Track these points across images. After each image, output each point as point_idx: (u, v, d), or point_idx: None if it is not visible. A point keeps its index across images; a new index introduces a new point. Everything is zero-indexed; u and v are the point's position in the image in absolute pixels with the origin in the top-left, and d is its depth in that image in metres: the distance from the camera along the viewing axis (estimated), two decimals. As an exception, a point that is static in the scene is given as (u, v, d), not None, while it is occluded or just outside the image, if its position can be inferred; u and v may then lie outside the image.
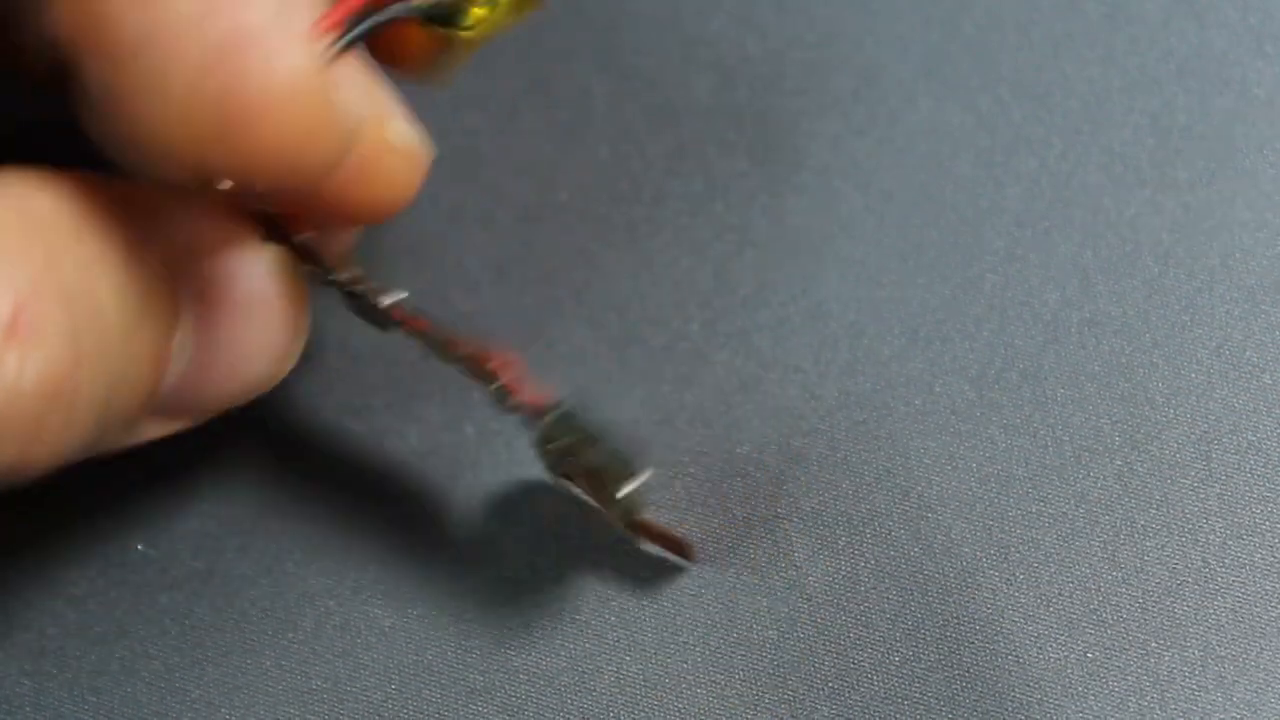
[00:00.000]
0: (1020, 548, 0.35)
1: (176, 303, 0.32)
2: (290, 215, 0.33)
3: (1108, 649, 0.35)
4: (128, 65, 0.28)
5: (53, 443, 0.29)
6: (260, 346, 0.33)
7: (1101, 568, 0.35)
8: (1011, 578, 0.35)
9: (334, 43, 0.29)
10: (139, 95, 0.28)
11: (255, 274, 0.32)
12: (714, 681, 0.35)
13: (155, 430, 0.33)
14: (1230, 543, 0.35)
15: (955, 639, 0.35)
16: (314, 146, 0.29)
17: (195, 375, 0.32)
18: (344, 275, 0.34)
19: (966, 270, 0.37)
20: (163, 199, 0.31)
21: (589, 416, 0.34)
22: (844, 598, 0.35)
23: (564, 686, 0.35)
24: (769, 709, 0.35)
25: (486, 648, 0.35)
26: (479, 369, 0.34)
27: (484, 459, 0.36)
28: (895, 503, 0.36)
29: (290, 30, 0.28)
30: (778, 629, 0.35)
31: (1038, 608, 0.35)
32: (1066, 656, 0.34)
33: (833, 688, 0.35)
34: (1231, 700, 0.34)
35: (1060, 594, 0.35)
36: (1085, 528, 0.35)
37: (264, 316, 0.33)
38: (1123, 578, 0.35)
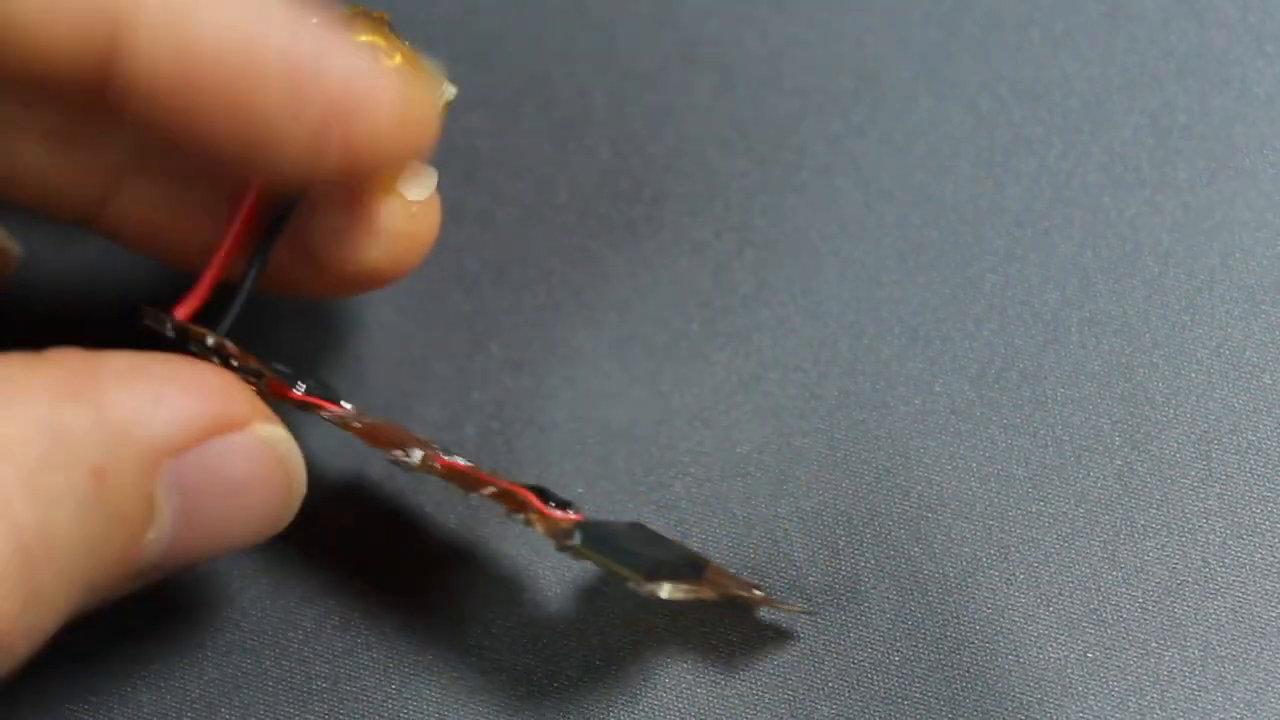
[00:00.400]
0: (1020, 548, 0.35)
1: (151, 503, 0.31)
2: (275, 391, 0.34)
3: (1108, 649, 0.35)
4: (231, 155, 0.30)
5: (18, 651, 0.30)
6: (245, 523, 0.33)
7: (1101, 568, 0.35)
8: (1011, 577, 0.35)
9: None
10: (255, 165, 0.31)
11: (241, 458, 0.33)
12: (714, 681, 0.35)
13: (137, 587, 0.33)
14: (1230, 543, 0.35)
15: (955, 639, 0.35)
16: (425, 134, 0.32)
17: (177, 552, 0.33)
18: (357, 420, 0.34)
19: (966, 270, 0.37)
20: (142, 402, 0.31)
21: (610, 537, 0.33)
22: (844, 598, 0.35)
23: (564, 686, 0.35)
24: (769, 709, 0.35)
25: (486, 647, 0.35)
26: (508, 501, 0.34)
27: (484, 458, 0.36)
28: (895, 502, 0.36)
29: (371, 76, 0.30)
30: (778, 629, 0.35)
31: (1038, 607, 0.35)
32: (1066, 656, 0.34)
33: (833, 688, 0.35)
34: (1231, 700, 0.34)
35: (1060, 594, 0.35)
36: (1085, 528, 0.35)
37: (250, 496, 0.33)
38: (1123, 578, 0.35)
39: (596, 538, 0.33)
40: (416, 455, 0.34)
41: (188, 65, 0.29)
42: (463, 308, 0.38)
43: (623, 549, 0.33)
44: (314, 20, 0.30)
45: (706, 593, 0.33)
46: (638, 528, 0.34)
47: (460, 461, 0.33)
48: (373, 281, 0.34)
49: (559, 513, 0.33)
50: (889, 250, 0.38)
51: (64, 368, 0.31)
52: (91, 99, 0.30)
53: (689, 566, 0.34)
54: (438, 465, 0.33)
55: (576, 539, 0.32)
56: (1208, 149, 0.38)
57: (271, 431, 0.33)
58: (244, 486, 0.33)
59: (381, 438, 0.34)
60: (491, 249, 0.38)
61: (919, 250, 0.38)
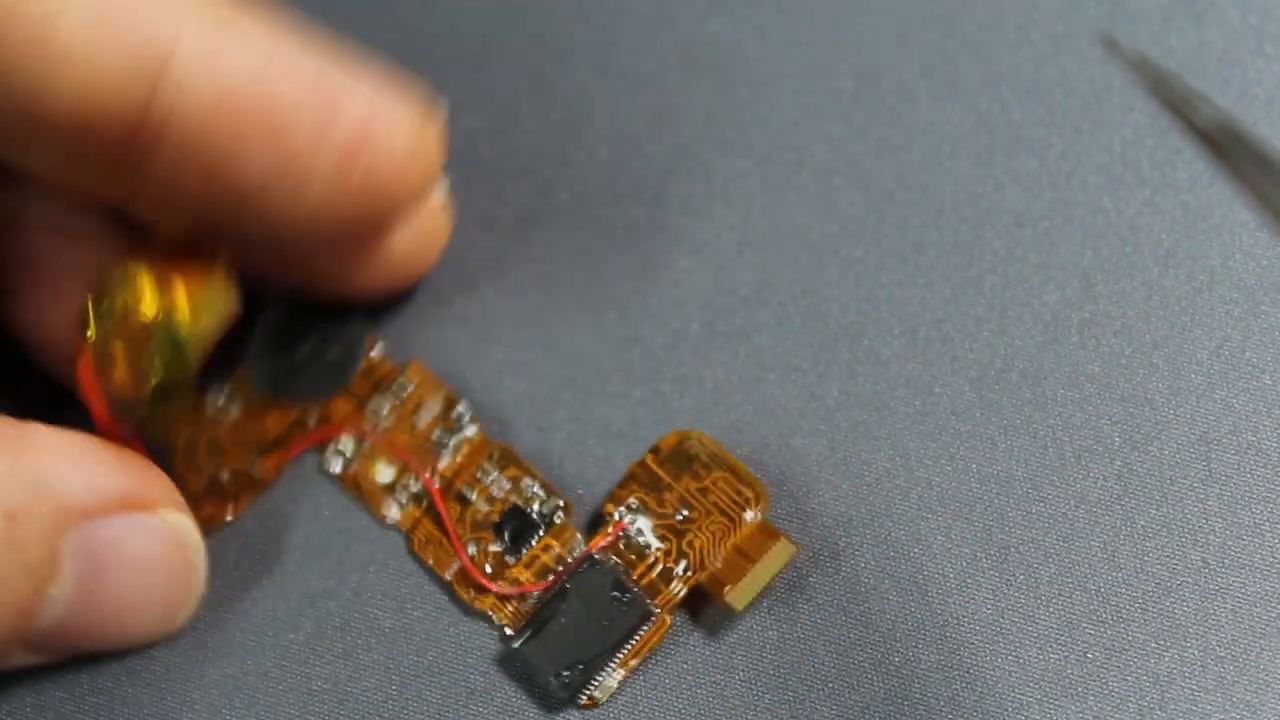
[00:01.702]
0: (1020, 548, 0.35)
1: (57, 559, 0.32)
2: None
3: (1108, 649, 0.35)
4: (261, 200, 0.31)
5: None
6: (145, 606, 0.34)
7: (1101, 568, 0.35)
8: (1011, 578, 0.35)
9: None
10: (275, 219, 0.32)
11: (145, 537, 0.34)
12: (714, 682, 0.35)
13: (28, 660, 0.34)
14: (1230, 543, 0.35)
15: (955, 639, 0.35)
16: (427, 184, 0.33)
17: (74, 621, 0.33)
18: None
19: (966, 270, 0.37)
20: (61, 463, 0.33)
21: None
22: (844, 598, 0.35)
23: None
24: (769, 709, 0.35)
25: (487, 648, 0.35)
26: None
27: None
28: (895, 503, 0.36)
29: (385, 95, 0.32)
30: (778, 629, 0.35)
31: (1037, 608, 0.35)
32: (1066, 657, 0.35)
33: (833, 688, 0.35)
34: (1231, 701, 0.34)
35: (1060, 594, 0.35)
36: (1085, 528, 0.35)
37: (151, 579, 0.34)
38: (1123, 578, 0.35)
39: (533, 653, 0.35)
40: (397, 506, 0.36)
41: (223, 98, 0.30)
42: (462, 310, 0.37)
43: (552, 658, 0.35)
44: (335, 53, 0.31)
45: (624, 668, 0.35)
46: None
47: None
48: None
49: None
50: (889, 251, 0.38)
51: None
52: (125, 142, 0.30)
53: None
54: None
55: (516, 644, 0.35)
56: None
57: (178, 519, 0.34)
58: (145, 566, 0.34)
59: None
60: (491, 250, 0.38)
61: (919, 251, 0.38)
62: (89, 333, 0.32)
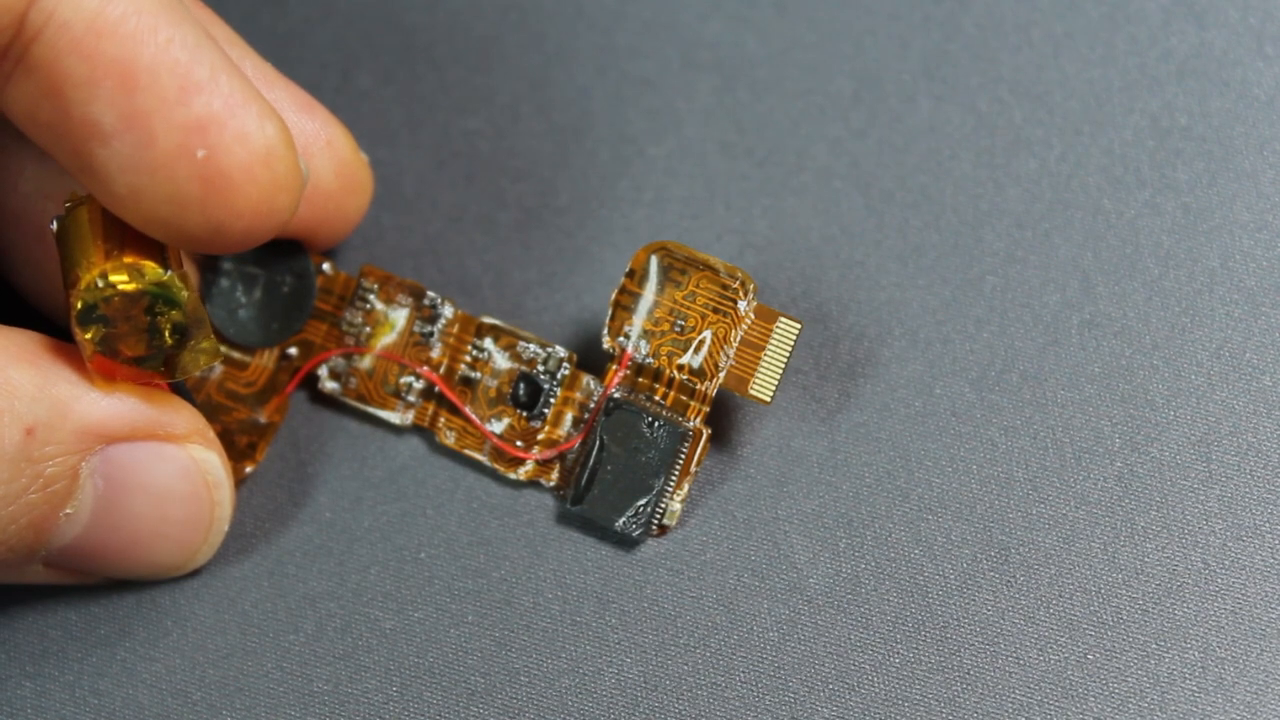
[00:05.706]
0: (1020, 550, 0.35)
1: (75, 478, 0.33)
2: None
3: (1108, 651, 0.35)
4: (104, 149, 0.31)
5: None
6: (163, 536, 0.34)
7: (1101, 570, 0.35)
8: (1012, 579, 0.35)
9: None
10: (117, 174, 0.31)
11: (169, 468, 0.34)
12: (714, 683, 0.35)
13: (49, 578, 0.34)
14: (1230, 544, 0.35)
15: (955, 640, 0.35)
16: (282, 201, 0.32)
17: (91, 543, 0.34)
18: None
19: (967, 272, 0.37)
20: (88, 387, 0.33)
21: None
22: (844, 599, 0.35)
23: (565, 689, 0.35)
24: (769, 709, 0.35)
25: (487, 650, 0.35)
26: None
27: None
28: (896, 504, 0.36)
29: (256, 108, 0.31)
30: (778, 629, 0.35)
31: (1038, 609, 0.35)
32: (1067, 658, 0.35)
33: (833, 688, 0.35)
34: (1232, 702, 0.34)
35: (1060, 596, 0.35)
36: (1085, 530, 0.35)
37: (170, 510, 0.34)
38: (1123, 580, 0.35)
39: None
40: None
41: (89, 33, 0.30)
42: (462, 310, 0.37)
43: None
44: (239, 71, 0.32)
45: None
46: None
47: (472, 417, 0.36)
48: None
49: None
50: (889, 252, 0.38)
51: (28, 341, 0.32)
52: None
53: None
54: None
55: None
56: (1208, 150, 0.38)
57: (206, 456, 0.34)
58: (167, 496, 0.34)
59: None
60: (493, 252, 0.38)
61: (919, 252, 0.38)
62: (87, 336, 0.32)
